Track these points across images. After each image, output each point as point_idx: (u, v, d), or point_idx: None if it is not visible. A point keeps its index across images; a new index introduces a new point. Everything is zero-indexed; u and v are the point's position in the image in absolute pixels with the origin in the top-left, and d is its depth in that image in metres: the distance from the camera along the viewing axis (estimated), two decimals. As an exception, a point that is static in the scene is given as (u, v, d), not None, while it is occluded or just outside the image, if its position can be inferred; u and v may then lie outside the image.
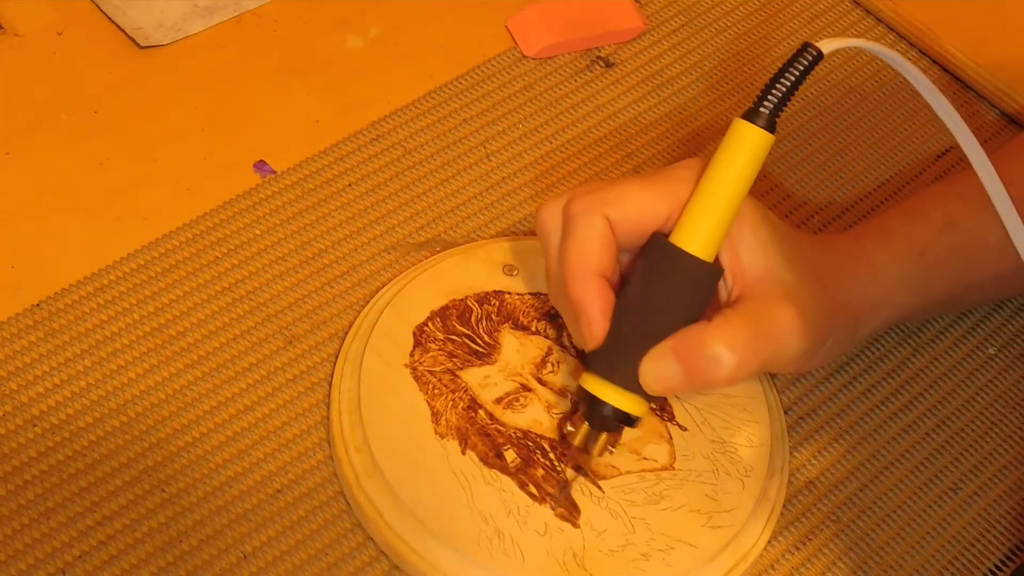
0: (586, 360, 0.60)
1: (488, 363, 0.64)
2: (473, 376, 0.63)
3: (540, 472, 0.61)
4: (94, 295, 0.65)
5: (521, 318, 0.65)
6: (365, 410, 0.61)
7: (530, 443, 0.61)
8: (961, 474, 0.66)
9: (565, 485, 0.61)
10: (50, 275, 0.65)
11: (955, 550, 0.64)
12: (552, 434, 0.62)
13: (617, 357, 0.58)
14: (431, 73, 0.77)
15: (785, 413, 0.66)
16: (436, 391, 0.62)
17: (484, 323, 0.64)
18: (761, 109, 0.57)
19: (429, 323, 0.64)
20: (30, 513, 0.58)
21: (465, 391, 0.62)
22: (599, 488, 0.61)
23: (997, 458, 0.67)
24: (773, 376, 0.67)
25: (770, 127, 0.57)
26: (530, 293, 0.66)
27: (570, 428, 0.61)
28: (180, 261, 0.67)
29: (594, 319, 0.58)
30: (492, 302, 0.65)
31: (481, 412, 0.62)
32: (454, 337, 0.64)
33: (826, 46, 0.57)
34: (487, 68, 0.78)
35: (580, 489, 0.61)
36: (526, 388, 0.63)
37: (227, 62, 0.76)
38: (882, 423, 0.67)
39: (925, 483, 0.66)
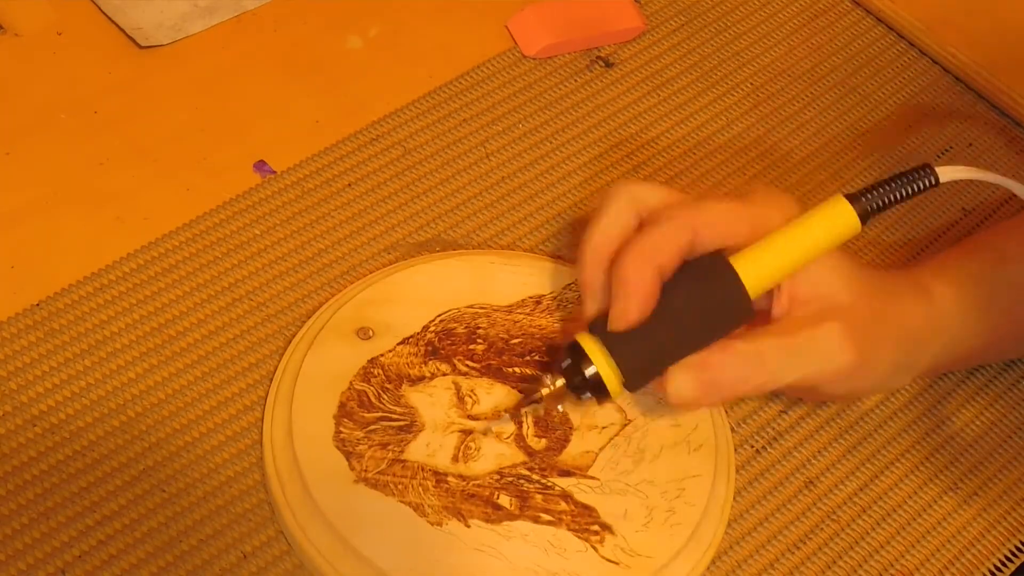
0: (591, 326, 0.59)
1: (418, 430, 0.61)
2: (417, 451, 0.60)
3: (540, 498, 0.60)
4: (94, 295, 0.65)
5: (409, 372, 0.63)
6: (353, 538, 0.57)
7: (511, 478, 0.60)
8: (960, 473, 0.66)
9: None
10: (50, 275, 0.65)
11: (955, 549, 0.64)
12: (518, 457, 0.61)
13: (630, 335, 0.58)
14: (431, 73, 0.77)
15: (785, 413, 0.66)
16: (400, 487, 0.59)
17: (385, 396, 0.62)
18: (864, 199, 0.58)
19: (341, 429, 0.60)
20: (30, 513, 0.58)
21: (422, 469, 0.60)
22: (592, 478, 0.61)
23: (996, 457, 0.67)
24: None
25: (864, 218, 0.58)
26: (397, 344, 0.64)
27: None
28: (180, 261, 0.67)
29: (641, 302, 0.57)
30: (375, 372, 0.62)
31: (451, 479, 0.60)
32: (372, 427, 0.61)
33: (944, 175, 0.58)
34: (487, 68, 0.78)
35: (580, 488, 0.61)
36: (466, 432, 0.61)
37: (227, 62, 0.76)
38: (882, 422, 0.67)
39: (924, 482, 0.66)
